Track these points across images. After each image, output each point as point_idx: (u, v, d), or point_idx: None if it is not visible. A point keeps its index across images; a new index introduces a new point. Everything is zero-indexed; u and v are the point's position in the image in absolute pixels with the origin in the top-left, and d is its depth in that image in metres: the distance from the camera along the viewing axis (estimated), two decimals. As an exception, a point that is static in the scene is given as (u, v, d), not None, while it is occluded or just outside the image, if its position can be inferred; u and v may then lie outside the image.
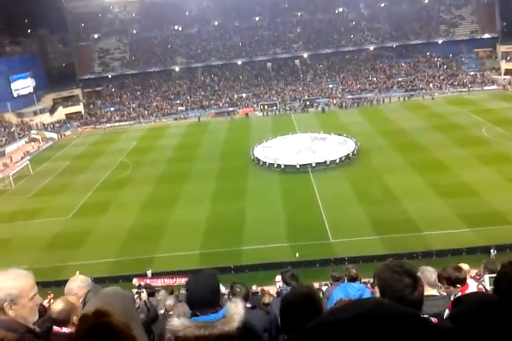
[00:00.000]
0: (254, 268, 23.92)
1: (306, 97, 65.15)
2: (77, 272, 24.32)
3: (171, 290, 13.90)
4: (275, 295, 9.24)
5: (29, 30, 75.74)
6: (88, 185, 40.09)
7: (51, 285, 20.66)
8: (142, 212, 33.13)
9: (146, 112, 66.86)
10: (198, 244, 27.60)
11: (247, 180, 37.69)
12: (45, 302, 8.51)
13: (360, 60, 74.26)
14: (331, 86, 68.37)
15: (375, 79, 68.65)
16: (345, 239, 26.31)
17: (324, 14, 78.18)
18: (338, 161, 39.10)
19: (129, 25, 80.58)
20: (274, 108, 63.07)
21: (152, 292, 8.83)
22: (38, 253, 28.24)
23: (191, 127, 58.37)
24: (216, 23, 79.64)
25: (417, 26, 74.31)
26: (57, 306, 3.21)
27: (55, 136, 60.85)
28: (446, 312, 3.00)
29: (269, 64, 75.43)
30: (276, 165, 39.54)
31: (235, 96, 68.79)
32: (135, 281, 21.87)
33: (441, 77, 66.21)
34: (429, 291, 5.31)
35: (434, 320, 3.07)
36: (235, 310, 2.41)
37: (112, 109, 69.19)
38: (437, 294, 5.19)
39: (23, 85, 66.79)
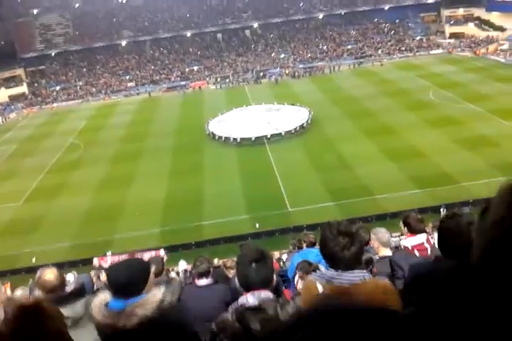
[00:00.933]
0: (216, 242, 24.11)
1: (258, 68, 64.43)
2: (34, 259, 23.86)
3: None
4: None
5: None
6: (38, 168, 38.57)
7: (6, 274, 20.09)
8: (98, 193, 32.36)
9: (94, 90, 64.16)
10: (158, 222, 27.41)
11: (204, 155, 37.39)
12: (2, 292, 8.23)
13: (310, 28, 73.82)
14: (282, 56, 67.83)
15: (325, 47, 68.56)
16: (303, 208, 26.88)
17: (272, -19, 76.63)
18: (293, 132, 39.35)
19: (70, -2, 76.06)
20: (227, 80, 62.09)
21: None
22: (-10, 242, 27.18)
23: (143, 103, 56.75)
24: (161, -7, 76.54)
25: (365, -8, 74.33)
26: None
27: (-2, 119, 57.69)
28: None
29: (219, 35, 73.71)
30: (232, 139, 39.35)
31: (186, 69, 67.11)
32: (95, 262, 21.51)
33: (390, 43, 66.99)
34: (383, 251, 5.53)
35: (385, 280, 3.20)
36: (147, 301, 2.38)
37: (58, 87, 65.92)
38: (391, 254, 5.40)
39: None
